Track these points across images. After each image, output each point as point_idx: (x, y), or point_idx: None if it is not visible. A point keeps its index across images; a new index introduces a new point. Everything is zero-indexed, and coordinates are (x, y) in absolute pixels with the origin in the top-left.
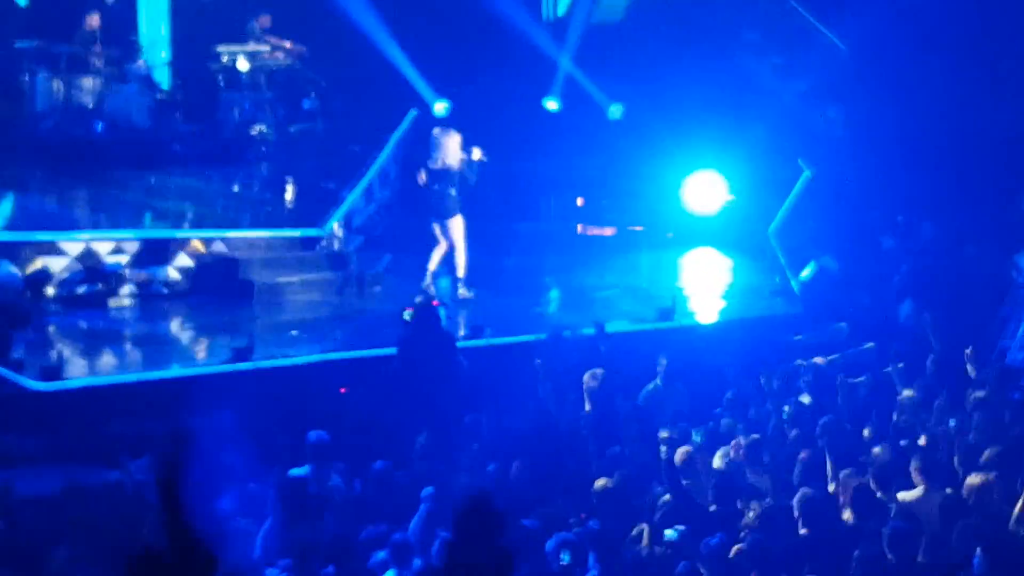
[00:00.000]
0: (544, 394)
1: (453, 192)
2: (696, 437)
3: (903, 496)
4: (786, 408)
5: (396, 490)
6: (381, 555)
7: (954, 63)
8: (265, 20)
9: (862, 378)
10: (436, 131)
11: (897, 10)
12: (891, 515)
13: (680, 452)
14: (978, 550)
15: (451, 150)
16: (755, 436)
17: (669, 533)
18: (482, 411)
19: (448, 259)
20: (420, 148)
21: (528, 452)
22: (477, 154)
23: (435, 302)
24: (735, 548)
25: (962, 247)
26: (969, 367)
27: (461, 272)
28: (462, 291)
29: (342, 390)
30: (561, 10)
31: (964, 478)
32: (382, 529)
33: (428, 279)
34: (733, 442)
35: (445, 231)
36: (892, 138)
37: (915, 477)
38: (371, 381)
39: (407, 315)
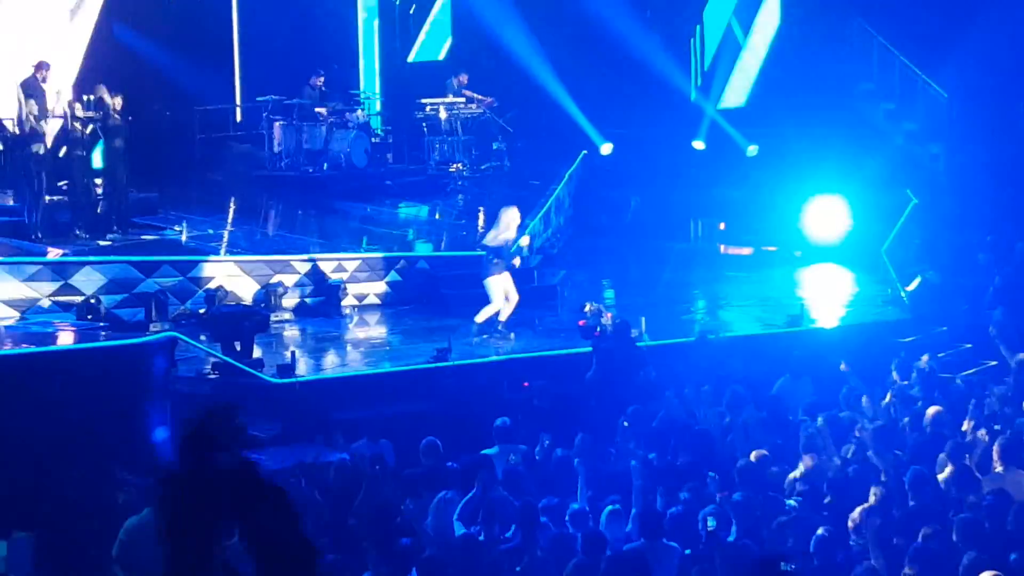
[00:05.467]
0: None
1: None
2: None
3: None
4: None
5: (567, 468)
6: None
7: None
8: (463, 78)
9: (962, 374)
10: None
11: (988, 64)
12: (985, 491)
13: (803, 436)
14: None
15: (509, 225)
16: (880, 422)
17: (790, 502)
18: (643, 402)
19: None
20: (589, 182)
21: (680, 439)
22: (525, 240)
23: (608, 315)
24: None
25: None
26: None
27: (504, 317)
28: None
29: (524, 384)
30: (707, 64)
31: None
32: (557, 499)
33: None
34: (857, 426)
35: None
36: (985, 171)
37: (995, 460)
38: (551, 376)
39: (607, 321)
